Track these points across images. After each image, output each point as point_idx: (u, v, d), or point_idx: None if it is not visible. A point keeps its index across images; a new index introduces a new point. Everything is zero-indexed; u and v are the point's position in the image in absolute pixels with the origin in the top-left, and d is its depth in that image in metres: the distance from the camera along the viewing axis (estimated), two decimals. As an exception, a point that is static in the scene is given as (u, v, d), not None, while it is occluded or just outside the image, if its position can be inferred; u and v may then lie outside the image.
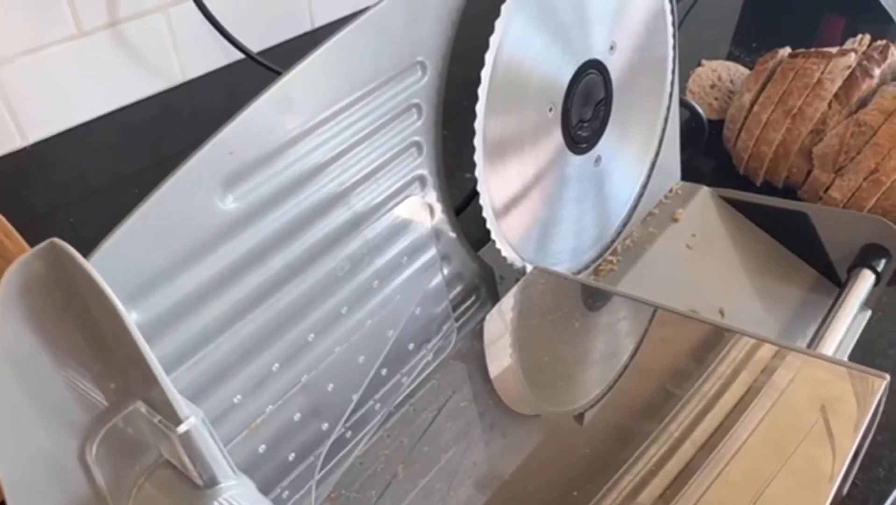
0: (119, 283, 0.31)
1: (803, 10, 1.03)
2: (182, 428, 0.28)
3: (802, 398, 0.38)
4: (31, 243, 0.65)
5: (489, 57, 0.42)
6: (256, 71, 0.82)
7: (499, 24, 0.43)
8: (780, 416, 0.38)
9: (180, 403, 0.28)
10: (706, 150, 0.79)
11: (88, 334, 0.28)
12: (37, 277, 0.26)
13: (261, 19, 0.92)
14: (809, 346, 0.53)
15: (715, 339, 0.43)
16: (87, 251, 0.31)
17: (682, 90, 0.82)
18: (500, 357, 0.47)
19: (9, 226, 0.58)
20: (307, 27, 0.97)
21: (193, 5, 0.79)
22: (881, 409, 0.38)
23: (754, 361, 0.40)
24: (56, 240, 0.26)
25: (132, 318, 0.32)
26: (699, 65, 0.85)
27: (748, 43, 0.95)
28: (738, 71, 0.85)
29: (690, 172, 0.75)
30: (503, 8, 0.43)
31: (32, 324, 0.26)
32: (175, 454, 0.29)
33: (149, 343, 0.32)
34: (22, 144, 0.79)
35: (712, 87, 0.84)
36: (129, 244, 0.31)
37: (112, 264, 0.30)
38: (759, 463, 0.36)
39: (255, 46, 0.94)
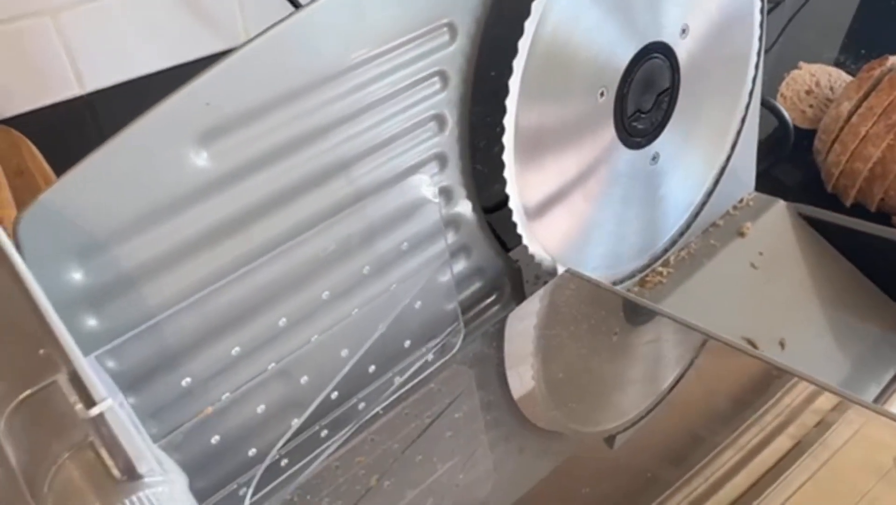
0: (66, 235, 0.28)
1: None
2: (94, 411, 0.24)
3: (858, 461, 0.32)
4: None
5: (530, 24, 0.37)
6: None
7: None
8: (830, 480, 0.31)
9: (95, 383, 0.24)
10: (791, 161, 0.71)
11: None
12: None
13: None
14: (881, 395, 0.46)
15: (767, 379, 0.36)
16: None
17: (773, 93, 0.74)
18: (520, 364, 0.42)
19: (54, 178, 0.57)
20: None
21: (260, -37, 0.76)
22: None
23: (808, 412, 0.34)
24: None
25: (77, 277, 0.28)
26: (797, 67, 0.76)
27: (857, 49, 0.86)
28: (840, 78, 0.76)
29: (769, 183, 0.67)
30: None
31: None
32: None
33: (92, 309, 0.29)
34: (79, 92, 0.78)
35: (808, 92, 0.75)
36: (78, 196, 0.28)
37: (58, 215, 0.27)
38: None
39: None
